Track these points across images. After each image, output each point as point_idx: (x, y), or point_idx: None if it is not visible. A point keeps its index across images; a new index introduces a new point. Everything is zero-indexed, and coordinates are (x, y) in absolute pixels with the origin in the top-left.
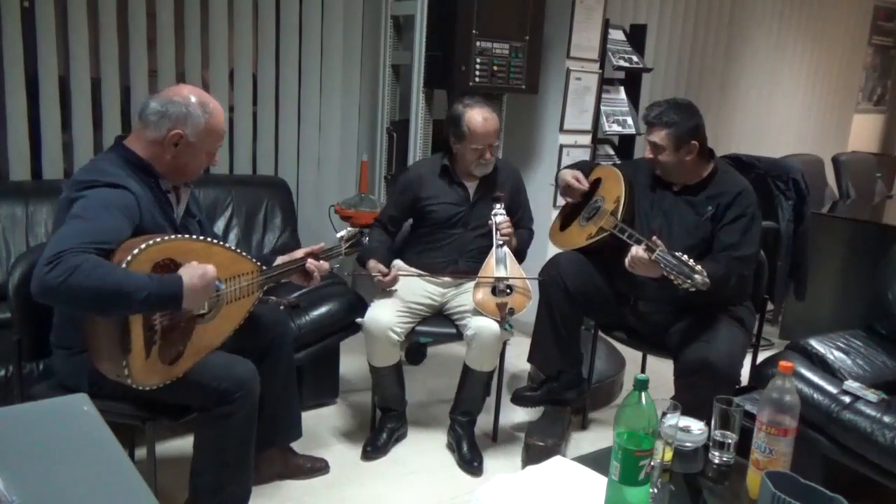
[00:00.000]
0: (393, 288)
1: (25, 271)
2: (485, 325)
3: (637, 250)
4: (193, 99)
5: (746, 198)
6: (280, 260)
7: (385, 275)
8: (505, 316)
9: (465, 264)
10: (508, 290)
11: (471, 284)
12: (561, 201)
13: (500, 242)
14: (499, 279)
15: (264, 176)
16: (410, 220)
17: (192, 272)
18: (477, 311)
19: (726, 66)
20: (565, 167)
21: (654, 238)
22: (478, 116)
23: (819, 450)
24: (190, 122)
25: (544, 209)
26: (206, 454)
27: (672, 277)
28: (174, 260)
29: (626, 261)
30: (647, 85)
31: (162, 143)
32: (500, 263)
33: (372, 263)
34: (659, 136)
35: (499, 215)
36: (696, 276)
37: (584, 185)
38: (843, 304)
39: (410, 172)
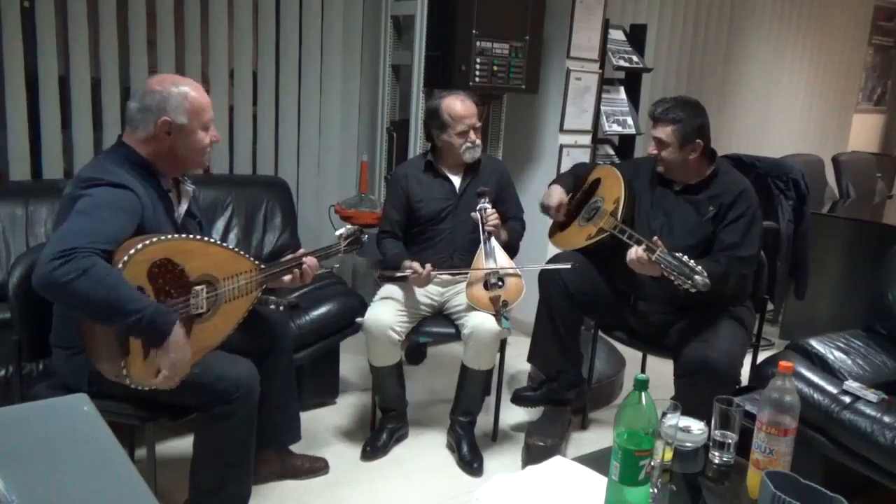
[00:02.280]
0: (393, 290)
1: (25, 271)
2: (481, 323)
3: (636, 251)
4: (167, 83)
5: (748, 198)
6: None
7: (420, 272)
8: (499, 309)
9: (461, 259)
10: (500, 283)
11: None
12: None
13: (487, 235)
14: (489, 271)
15: (264, 176)
16: None
17: (183, 333)
18: (472, 308)
19: (726, 66)
20: (563, 173)
21: (655, 238)
22: (455, 101)
23: (819, 450)
24: (171, 105)
25: None
26: (206, 454)
27: (672, 278)
28: (171, 260)
29: (628, 260)
30: (647, 85)
31: (156, 137)
32: (489, 257)
33: (406, 263)
34: (664, 133)
35: (484, 209)
36: (697, 276)
37: (561, 217)
38: (843, 304)
39: (397, 173)
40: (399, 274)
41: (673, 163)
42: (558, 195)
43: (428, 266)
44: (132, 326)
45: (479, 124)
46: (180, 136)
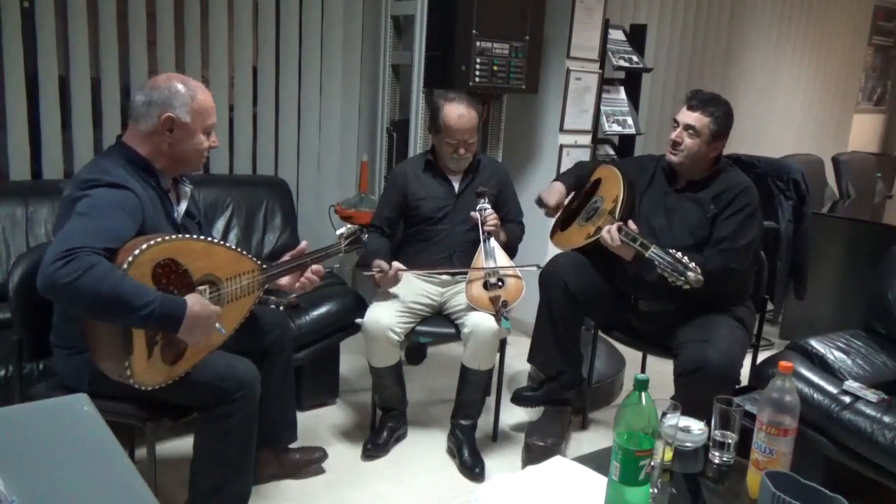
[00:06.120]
0: (394, 290)
1: (25, 271)
2: (481, 322)
3: (610, 229)
4: (174, 81)
5: (747, 195)
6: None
7: (386, 271)
8: (499, 309)
9: (460, 259)
10: (500, 283)
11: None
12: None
13: (486, 235)
14: (487, 269)
15: (264, 176)
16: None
17: (199, 300)
18: (472, 308)
19: (726, 65)
20: (565, 172)
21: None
22: (454, 112)
23: (819, 450)
24: (177, 102)
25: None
26: (206, 454)
27: (666, 275)
28: (175, 260)
29: (601, 239)
30: (648, 85)
31: (157, 133)
32: (489, 257)
33: (375, 263)
34: (701, 122)
35: (483, 209)
36: (690, 273)
37: (556, 215)
38: (843, 304)
39: (396, 171)
40: (368, 273)
41: (693, 155)
42: (558, 196)
43: (395, 265)
44: (147, 318)
45: (472, 140)
46: (182, 134)
